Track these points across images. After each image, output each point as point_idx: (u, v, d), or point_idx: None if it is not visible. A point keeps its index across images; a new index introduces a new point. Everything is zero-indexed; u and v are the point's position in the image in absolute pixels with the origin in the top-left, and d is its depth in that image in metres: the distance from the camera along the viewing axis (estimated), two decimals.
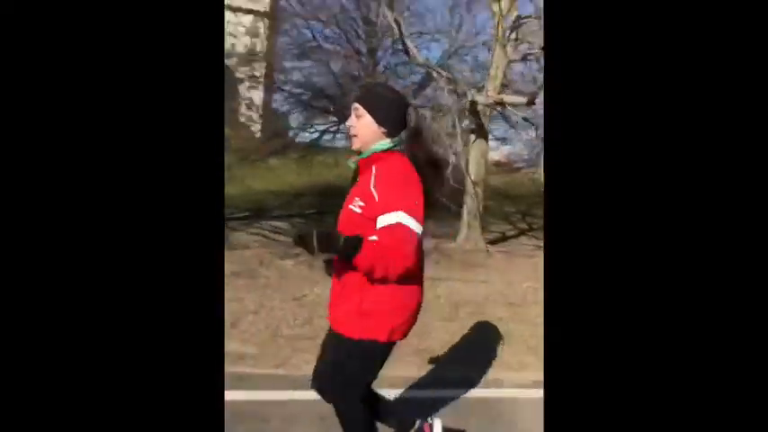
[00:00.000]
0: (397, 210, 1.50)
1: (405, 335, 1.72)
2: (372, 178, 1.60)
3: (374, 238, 1.52)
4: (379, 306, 1.62)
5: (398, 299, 1.64)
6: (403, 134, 1.69)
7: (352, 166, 1.72)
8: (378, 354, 1.70)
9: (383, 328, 1.63)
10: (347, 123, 1.72)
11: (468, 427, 2.30)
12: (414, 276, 1.65)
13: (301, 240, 1.47)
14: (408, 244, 1.49)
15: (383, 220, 1.51)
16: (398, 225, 1.49)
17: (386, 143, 1.66)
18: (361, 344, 1.65)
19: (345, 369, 1.71)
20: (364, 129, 1.65)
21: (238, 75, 13.16)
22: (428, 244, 6.19)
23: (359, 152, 1.69)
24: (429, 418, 2.05)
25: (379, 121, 1.64)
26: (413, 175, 1.61)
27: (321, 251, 1.47)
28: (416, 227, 1.52)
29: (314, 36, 11.88)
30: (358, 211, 1.60)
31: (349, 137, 1.70)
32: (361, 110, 1.65)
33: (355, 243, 1.46)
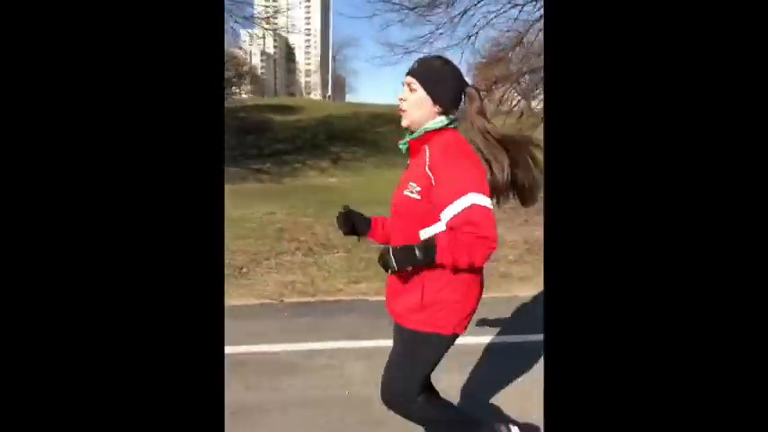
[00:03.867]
0: (466, 192, 1.38)
1: (466, 328, 1.62)
2: (427, 159, 1.48)
3: (439, 228, 1.45)
4: (443, 297, 1.52)
5: (462, 290, 1.54)
6: (457, 112, 1.55)
7: (403, 147, 1.61)
8: (441, 347, 1.59)
9: (447, 320, 1.54)
10: (399, 97, 1.58)
11: None
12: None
13: (380, 259, 1.40)
14: (490, 224, 1.37)
15: (456, 207, 1.38)
16: (474, 206, 1.37)
17: (439, 121, 1.54)
18: (424, 337, 1.56)
19: (407, 363, 1.62)
20: (416, 105, 1.54)
21: None
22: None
23: (409, 130, 1.58)
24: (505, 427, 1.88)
25: (434, 98, 1.52)
26: (468, 150, 1.49)
27: (401, 266, 1.39)
28: (490, 204, 1.40)
29: None
30: (416, 197, 1.48)
31: (400, 111, 1.57)
32: (416, 83, 1.52)
33: (432, 243, 1.38)
